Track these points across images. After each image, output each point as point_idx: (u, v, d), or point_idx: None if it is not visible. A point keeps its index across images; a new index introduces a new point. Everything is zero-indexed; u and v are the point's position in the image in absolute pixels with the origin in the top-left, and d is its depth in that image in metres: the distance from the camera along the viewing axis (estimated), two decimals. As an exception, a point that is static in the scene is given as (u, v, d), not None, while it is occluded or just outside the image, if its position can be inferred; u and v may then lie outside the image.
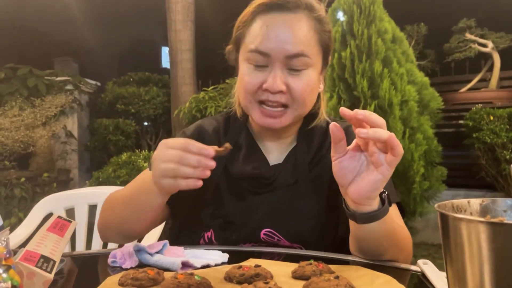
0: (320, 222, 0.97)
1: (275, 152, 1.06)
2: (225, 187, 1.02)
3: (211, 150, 0.80)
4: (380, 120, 0.73)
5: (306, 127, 1.06)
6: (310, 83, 0.96)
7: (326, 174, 0.98)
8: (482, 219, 0.47)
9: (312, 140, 1.05)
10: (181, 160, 0.79)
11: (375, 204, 0.79)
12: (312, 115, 1.06)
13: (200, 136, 1.09)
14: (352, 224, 0.84)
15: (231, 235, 0.97)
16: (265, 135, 1.06)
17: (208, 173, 0.80)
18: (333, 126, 0.75)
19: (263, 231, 0.97)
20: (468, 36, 5.06)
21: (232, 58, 1.06)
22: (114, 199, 1.01)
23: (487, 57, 5.14)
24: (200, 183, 0.81)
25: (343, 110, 0.72)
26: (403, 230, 0.93)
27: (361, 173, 0.77)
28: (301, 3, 0.96)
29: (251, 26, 0.97)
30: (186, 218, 1.04)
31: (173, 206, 1.01)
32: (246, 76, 0.97)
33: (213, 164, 0.80)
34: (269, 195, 0.99)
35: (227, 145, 0.84)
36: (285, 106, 0.96)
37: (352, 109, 0.74)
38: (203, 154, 0.80)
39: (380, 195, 0.80)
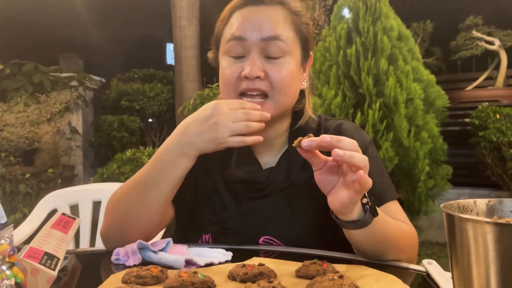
0: (319, 223, 0.96)
1: (267, 156, 1.04)
2: (223, 191, 1.01)
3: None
4: (352, 144, 0.74)
5: (294, 127, 1.05)
6: (289, 72, 0.95)
7: None
8: (488, 219, 0.47)
9: None
10: (249, 116, 0.87)
11: (353, 216, 0.80)
12: (298, 113, 1.05)
13: None
14: (343, 229, 0.85)
15: (229, 241, 0.96)
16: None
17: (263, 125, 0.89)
18: (298, 149, 0.78)
19: (261, 238, 0.96)
20: (475, 33, 5.03)
21: (213, 59, 1.06)
22: (121, 192, 0.97)
23: (494, 55, 5.11)
24: (261, 138, 0.89)
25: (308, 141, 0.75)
26: (404, 229, 0.92)
27: (336, 187, 0.79)
28: None
29: (228, 22, 0.98)
30: (189, 220, 1.03)
31: (177, 203, 1.01)
32: (225, 70, 0.97)
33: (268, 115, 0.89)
34: (265, 200, 0.98)
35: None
36: (264, 95, 0.95)
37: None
38: (256, 108, 0.89)
39: (364, 205, 0.81)
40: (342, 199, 0.77)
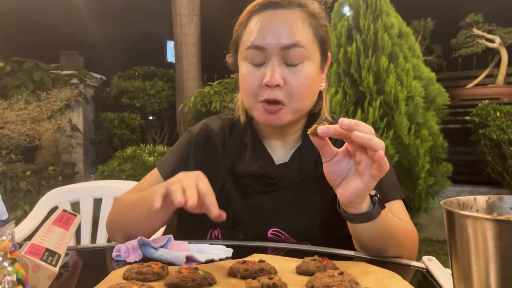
0: (327, 219, 0.97)
1: (280, 151, 1.06)
2: (232, 186, 1.02)
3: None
4: (369, 129, 0.73)
5: (310, 125, 1.05)
6: (309, 78, 0.96)
7: None
8: (488, 216, 0.47)
9: None
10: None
11: (363, 207, 0.80)
12: (316, 114, 1.06)
13: (207, 135, 1.09)
14: (348, 223, 0.85)
15: (238, 235, 0.98)
16: (271, 133, 1.06)
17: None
18: (311, 137, 0.76)
19: (270, 231, 0.97)
20: (476, 31, 5.02)
21: (232, 63, 1.06)
22: (123, 202, 1.03)
23: (495, 52, 5.09)
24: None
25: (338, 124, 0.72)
26: (406, 227, 0.93)
27: (348, 178, 0.78)
28: (294, 0, 0.97)
29: (247, 26, 0.98)
30: (193, 216, 1.04)
31: (180, 210, 1.01)
32: (246, 77, 0.97)
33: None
34: (276, 194, 0.99)
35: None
36: (281, 103, 0.95)
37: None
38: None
39: (372, 197, 0.80)
40: (355, 187, 0.76)
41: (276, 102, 0.95)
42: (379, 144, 0.72)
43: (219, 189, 1.02)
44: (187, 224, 1.06)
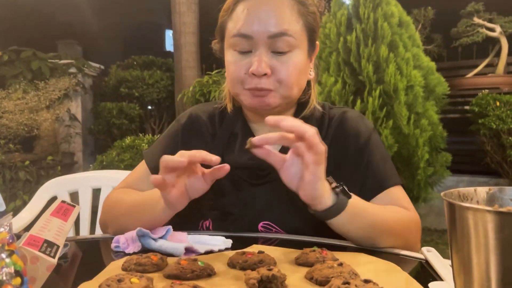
0: None
1: None
2: (223, 177, 1.01)
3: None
4: (297, 121, 0.76)
5: (300, 116, 1.04)
6: (297, 66, 0.94)
7: None
8: (490, 208, 0.47)
9: None
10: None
11: (326, 202, 0.81)
12: (304, 103, 1.05)
13: (195, 124, 1.07)
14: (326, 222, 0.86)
15: (228, 226, 0.97)
16: (261, 124, 1.04)
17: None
18: (252, 151, 0.80)
19: (261, 224, 0.97)
20: (476, 20, 4.99)
21: (218, 50, 1.04)
22: (116, 204, 1.01)
23: (495, 42, 5.08)
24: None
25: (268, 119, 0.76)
26: (399, 214, 0.92)
27: (301, 175, 0.80)
28: None
29: (233, 13, 0.95)
30: (185, 207, 1.03)
31: None
32: (231, 65, 0.96)
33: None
34: (267, 186, 0.98)
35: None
36: (269, 90, 0.94)
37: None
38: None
39: (334, 189, 0.82)
40: (307, 181, 0.78)
41: (264, 90, 0.94)
42: (309, 129, 0.75)
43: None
44: (179, 215, 1.05)
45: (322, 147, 0.76)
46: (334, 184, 0.82)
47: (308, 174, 0.78)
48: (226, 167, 0.83)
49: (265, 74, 0.92)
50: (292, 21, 0.93)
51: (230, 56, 0.96)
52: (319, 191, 0.79)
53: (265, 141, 0.78)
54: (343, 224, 0.84)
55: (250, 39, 0.92)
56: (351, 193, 0.84)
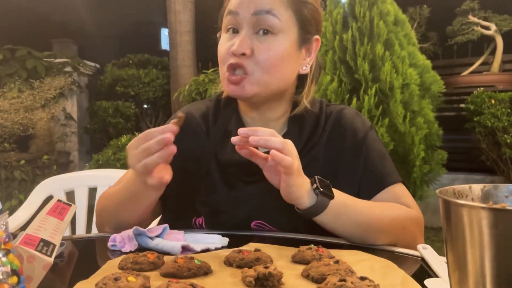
0: None
1: None
2: (216, 174, 1.00)
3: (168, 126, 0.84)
4: (270, 131, 0.80)
5: (291, 114, 1.03)
6: (279, 51, 0.93)
7: (317, 161, 0.98)
8: (484, 205, 0.47)
9: (304, 126, 1.01)
10: (147, 152, 0.83)
11: (305, 203, 0.84)
12: (298, 102, 1.04)
13: (188, 123, 1.06)
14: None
15: (221, 225, 0.96)
16: (255, 120, 1.04)
17: (170, 148, 0.83)
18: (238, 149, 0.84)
19: (253, 222, 0.96)
20: (471, 18, 5.01)
21: (219, 38, 1.05)
22: (105, 201, 1.02)
23: (490, 40, 5.09)
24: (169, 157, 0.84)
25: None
26: (394, 212, 0.91)
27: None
28: None
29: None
30: (177, 204, 1.03)
31: (163, 198, 0.99)
32: (219, 46, 0.97)
33: (169, 137, 0.82)
34: (260, 185, 0.96)
35: (180, 114, 0.87)
36: (245, 71, 0.93)
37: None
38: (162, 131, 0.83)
39: (314, 190, 0.84)
40: (282, 186, 0.82)
41: (239, 67, 0.93)
42: (276, 143, 0.78)
43: (203, 176, 1.00)
44: (172, 211, 1.05)
45: (287, 161, 0.78)
46: (315, 185, 0.84)
47: (281, 181, 0.82)
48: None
49: (244, 54, 0.92)
50: (281, 5, 0.93)
51: (221, 38, 0.98)
52: (294, 194, 0.83)
53: (238, 148, 0.84)
54: (327, 222, 0.86)
55: (236, 15, 0.93)
56: (334, 193, 0.85)
